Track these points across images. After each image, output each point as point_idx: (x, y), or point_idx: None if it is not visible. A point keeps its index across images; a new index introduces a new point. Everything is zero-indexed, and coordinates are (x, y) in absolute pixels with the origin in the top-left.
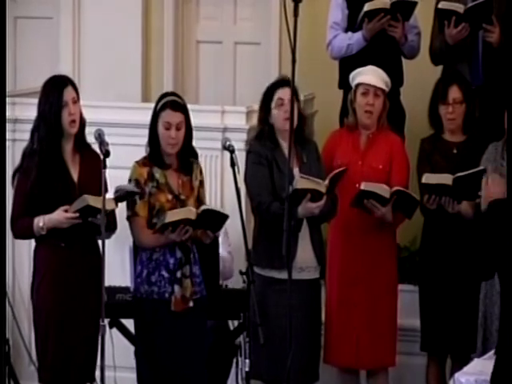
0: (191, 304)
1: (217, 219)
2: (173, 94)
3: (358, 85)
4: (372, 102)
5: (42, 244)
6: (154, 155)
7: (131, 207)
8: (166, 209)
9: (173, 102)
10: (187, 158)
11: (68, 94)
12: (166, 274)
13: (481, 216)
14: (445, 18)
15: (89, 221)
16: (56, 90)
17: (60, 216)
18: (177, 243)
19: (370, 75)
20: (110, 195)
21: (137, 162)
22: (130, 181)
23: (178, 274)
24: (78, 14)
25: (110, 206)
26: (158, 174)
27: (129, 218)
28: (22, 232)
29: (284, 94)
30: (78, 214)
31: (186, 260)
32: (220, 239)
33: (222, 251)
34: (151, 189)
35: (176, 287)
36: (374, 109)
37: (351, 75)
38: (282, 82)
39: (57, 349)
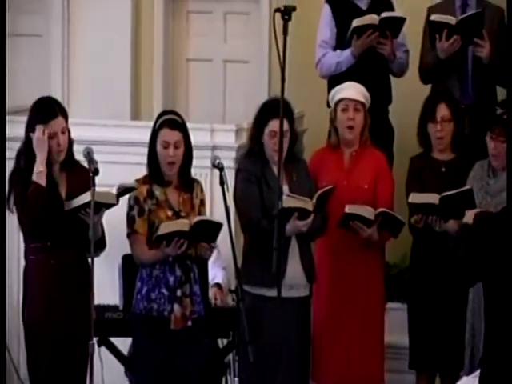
0: (190, 323)
1: (211, 229)
2: (172, 112)
3: (337, 102)
4: (352, 117)
5: (32, 262)
6: (154, 173)
7: (131, 225)
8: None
9: (170, 121)
10: (188, 175)
11: (57, 125)
12: (165, 292)
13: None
14: (436, 30)
15: (81, 216)
16: (44, 120)
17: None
18: (176, 261)
19: (348, 90)
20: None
21: (137, 180)
22: (129, 198)
23: (179, 293)
24: (68, 31)
25: (111, 200)
26: (158, 191)
27: (128, 236)
28: (32, 199)
29: (278, 126)
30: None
31: (186, 278)
32: (213, 256)
33: (217, 268)
34: (151, 206)
35: (176, 306)
36: (355, 123)
37: (330, 94)
38: (276, 111)
39: (49, 365)
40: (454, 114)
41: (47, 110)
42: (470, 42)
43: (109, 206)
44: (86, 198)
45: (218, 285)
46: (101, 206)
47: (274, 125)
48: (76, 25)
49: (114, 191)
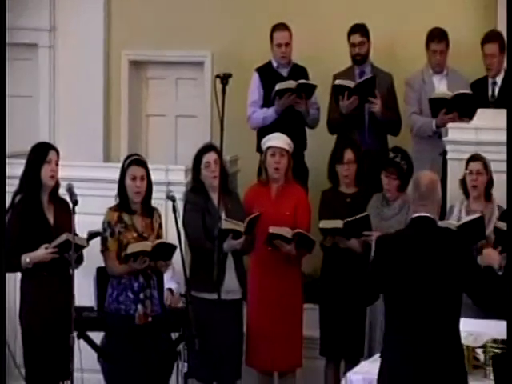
0: (150, 319)
1: (168, 250)
2: (136, 154)
3: (267, 148)
4: (279, 161)
5: (28, 277)
6: (123, 203)
7: (104, 243)
8: (132, 244)
9: (136, 160)
10: (149, 204)
11: (52, 155)
12: (131, 296)
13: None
14: (339, 92)
15: (64, 256)
16: (43, 150)
17: (42, 252)
18: (140, 271)
19: (276, 140)
20: (83, 235)
21: (109, 208)
22: (103, 223)
23: (141, 296)
24: (53, 93)
25: (83, 243)
26: (126, 217)
27: (102, 252)
28: (12, 268)
29: (209, 157)
30: (57, 249)
31: (148, 285)
32: (170, 274)
33: (172, 282)
34: (120, 229)
35: (139, 306)
36: (280, 166)
37: (262, 142)
38: (207, 148)
39: (40, 353)
40: (356, 157)
41: (45, 144)
42: (366, 101)
43: (81, 246)
44: (62, 238)
45: (169, 289)
46: (76, 247)
47: (206, 157)
48: (60, 88)
49: (85, 236)
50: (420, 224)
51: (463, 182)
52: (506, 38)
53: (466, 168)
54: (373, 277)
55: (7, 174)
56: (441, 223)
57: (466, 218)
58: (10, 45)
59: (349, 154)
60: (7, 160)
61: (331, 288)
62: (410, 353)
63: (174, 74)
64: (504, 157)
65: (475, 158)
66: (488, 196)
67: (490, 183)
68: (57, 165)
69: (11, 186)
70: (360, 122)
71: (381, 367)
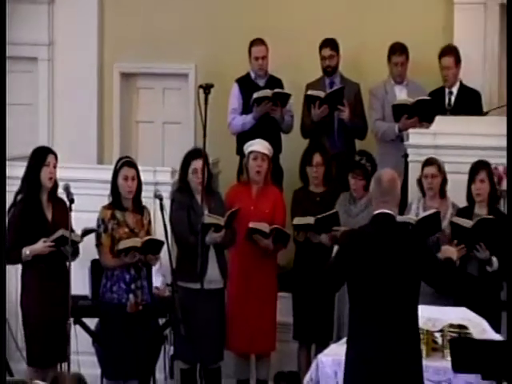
0: (141, 308)
1: (156, 245)
2: (127, 156)
3: (250, 152)
4: (260, 164)
5: (28, 268)
6: (116, 201)
7: (98, 238)
8: (124, 239)
9: (128, 162)
10: (139, 202)
11: (51, 158)
12: (123, 286)
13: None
14: (311, 101)
15: (61, 249)
16: (43, 153)
17: (40, 245)
18: (131, 264)
19: (258, 145)
20: (78, 232)
21: (103, 206)
22: (97, 219)
23: (133, 286)
24: (52, 101)
25: (77, 238)
26: (118, 214)
27: (96, 246)
28: (13, 261)
29: (197, 164)
30: (53, 243)
31: (138, 276)
32: (157, 266)
33: (158, 275)
34: (113, 225)
35: (131, 296)
36: (261, 169)
37: (245, 146)
38: (196, 154)
39: (41, 340)
40: (325, 160)
41: (44, 148)
42: (335, 109)
43: (76, 242)
44: (58, 233)
45: (156, 287)
46: (71, 242)
47: (194, 164)
48: (58, 96)
49: (79, 232)
50: (381, 220)
51: (420, 182)
52: (461, 53)
53: (422, 172)
54: (336, 267)
55: (8, 175)
56: (402, 218)
57: (423, 213)
58: (13, 58)
59: (317, 158)
60: (8, 162)
61: (303, 278)
62: (376, 340)
63: (161, 85)
64: (459, 159)
65: (429, 162)
66: (442, 194)
67: (444, 182)
68: (55, 167)
69: (12, 186)
70: (330, 127)
71: (348, 355)
